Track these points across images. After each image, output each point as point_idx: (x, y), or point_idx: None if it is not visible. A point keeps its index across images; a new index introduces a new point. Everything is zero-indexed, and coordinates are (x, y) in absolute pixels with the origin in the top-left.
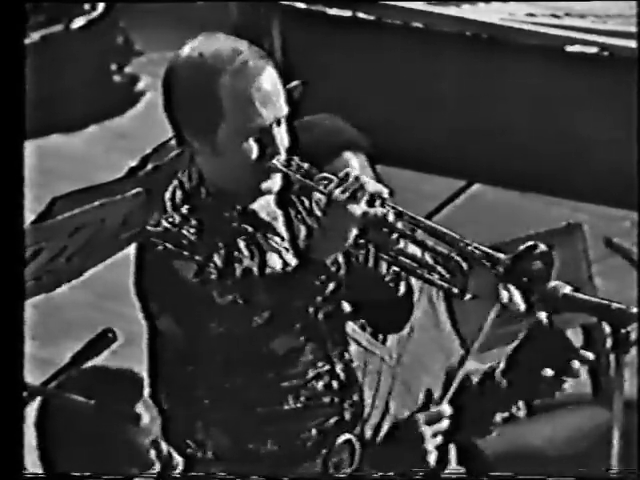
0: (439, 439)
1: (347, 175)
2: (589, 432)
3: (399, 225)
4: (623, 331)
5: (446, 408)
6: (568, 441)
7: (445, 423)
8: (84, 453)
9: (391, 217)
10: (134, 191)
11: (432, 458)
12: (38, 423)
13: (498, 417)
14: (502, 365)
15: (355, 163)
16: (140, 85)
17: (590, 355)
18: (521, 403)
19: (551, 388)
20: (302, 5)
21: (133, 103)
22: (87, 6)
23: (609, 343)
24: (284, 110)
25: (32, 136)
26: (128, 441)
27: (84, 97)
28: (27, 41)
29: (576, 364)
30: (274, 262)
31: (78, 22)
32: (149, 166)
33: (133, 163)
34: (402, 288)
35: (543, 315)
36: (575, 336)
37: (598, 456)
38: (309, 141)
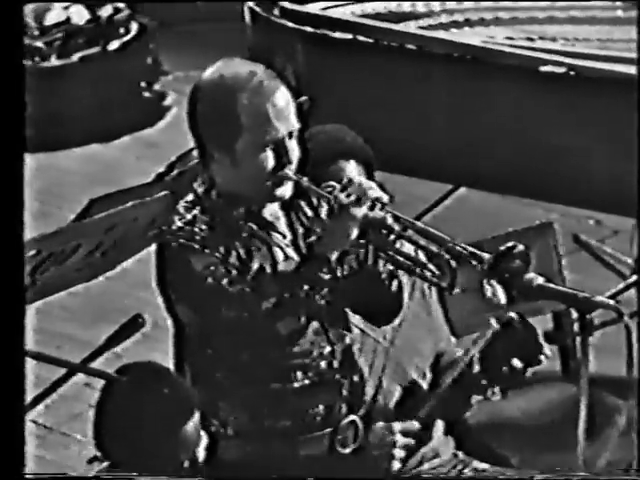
0: (404, 452)
1: (350, 181)
2: (559, 405)
3: (396, 227)
4: (588, 317)
5: (416, 424)
6: (541, 412)
7: (413, 440)
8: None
9: (389, 220)
10: (161, 194)
11: (396, 466)
12: (99, 405)
13: (473, 400)
14: (477, 354)
15: (350, 170)
16: (167, 100)
17: (548, 353)
18: (497, 388)
19: (516, 378)
20: (309, 29)
21: (161, 116)
22: (122, 30)
23: (576, 327)
24: (295, 125)
25: (72, 145)
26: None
27: (118, 111)
28: (67, 61)
29: (542, 358)
30: (277, 255)
31: (113, 44)
32: (174, 172)
33: (160, 169)
34: (394, 285)
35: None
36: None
37: (568, 425)
38: (314, 146)
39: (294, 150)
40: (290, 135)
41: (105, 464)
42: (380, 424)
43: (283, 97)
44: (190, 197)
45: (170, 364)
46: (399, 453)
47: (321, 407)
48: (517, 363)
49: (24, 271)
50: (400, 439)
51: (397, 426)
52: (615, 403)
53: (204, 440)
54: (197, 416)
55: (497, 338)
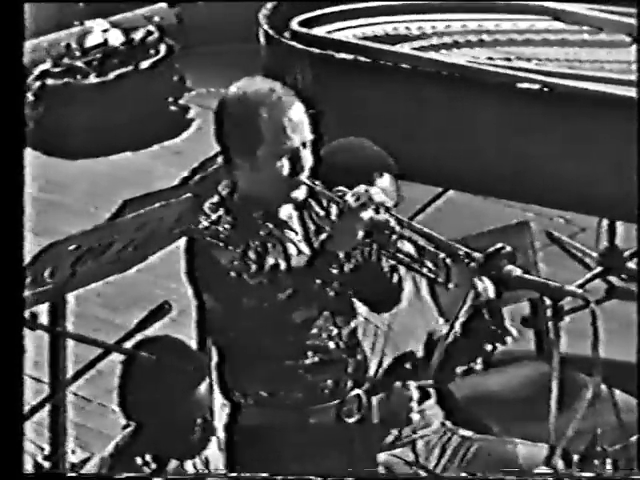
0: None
1: (358, 187)
2: (534, 380)
3: (398, 229)
4: (559, 304)
5: (430, 381)
6: (518, 387)
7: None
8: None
9: (392, 222)
10: (185, 196)
11: (415, 416)
12: (122, 376)
13: (459, 369)
14: (459, 331)
15: (388, 185)
16: (191, 114)
17: (514, 332)
18: (479, 359)
19: (487, 352)
20: (316, 50)
21: (185, 128)
22: (152, 51)
23: (549, 313)
24: (309, 136)
25: (109, 154)
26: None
27: (148, 123)
28: (105, 79)
29: (508, 339)
30: (291, 251)
31: (144, 64)
32: (197, 177)
33: (185, 174)
34: (395, 278)
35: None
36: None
37: (541, 398)
38: (357, 163)
39: (308, 158)
40: (304, 145)
41: (132, 427)
42: (398, 384)
43: (298, 111)
44: (215, 199)
45: (193, 344)
46: (416, 406)
47: (329, 382)
48: (486, 345)
49: (24, 265)
50: (415, 394)
51: (413, 383)
52: (582, 379)
53: (217, 402)
54: (208, 380)
55: (472, 319)
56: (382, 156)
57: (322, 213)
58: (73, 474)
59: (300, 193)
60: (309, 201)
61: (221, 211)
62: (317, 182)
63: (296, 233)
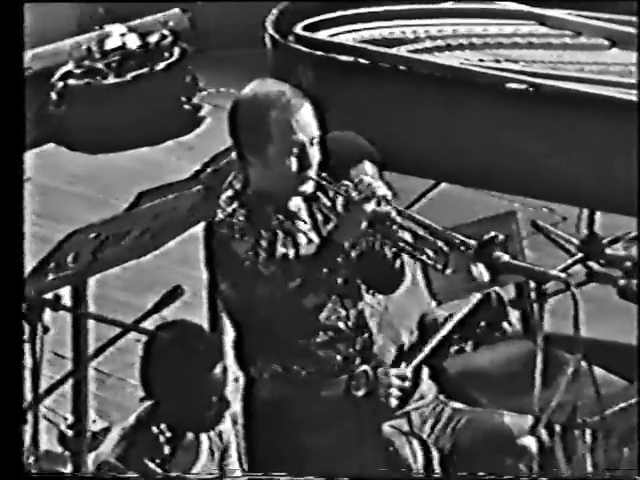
0: (400, 392)
1: (361, 181)
2: (520, 357)
3: (399, 219)
4: (543, 287)
5: (409, 372)
6: (505, 363)
7: (407, 383)
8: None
9: (393, 214)
10: (196, 188)
11: (393, 403)
12: (144, 357)
13: (452, 349)
14: (459, 316)
15: (369, 171)
16: (202, 112)
17: (513, 321)
18: (469, 342)
19: (488, 337)
20: (319, 53)
21: (197, 125)
22: (166, 54)
23: (533, 295)
24: (316, 134)
25: (125, 148)
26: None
27: (163, 120)
28: (122, 80)
29: (505, 325)
30: (301, 239)
31: (159, 66)
32: (208, 170)
33: (197, 168)
34: (398, 263)
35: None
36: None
37: (526, 374)
38: (337, 151)
39: (315, 155)
40: (311, 143)
41: (151, 402)
42: (380, 369)
43: (306, 112)
44: (230, 193)
45: (205, 324)
46: (395, 392)
47: (339, 358)
48: (485, 326)
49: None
50: (394, 381)
51: (392, 371)
52: (564, 357)
53: (236, 381)
54: (223, 362)
55: (478, 306)
56: (365, 146)
57: (329, 204)
58: (73, 474)
59: (308, 187)
60: (316, 193)
61: (236, 204)
62: (324, 176)
63: (305, 223)
